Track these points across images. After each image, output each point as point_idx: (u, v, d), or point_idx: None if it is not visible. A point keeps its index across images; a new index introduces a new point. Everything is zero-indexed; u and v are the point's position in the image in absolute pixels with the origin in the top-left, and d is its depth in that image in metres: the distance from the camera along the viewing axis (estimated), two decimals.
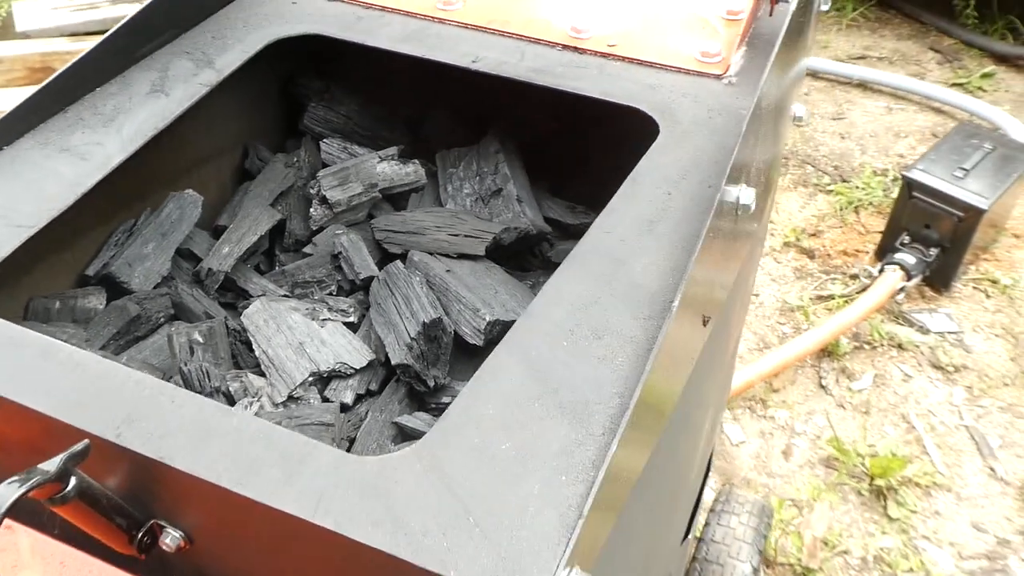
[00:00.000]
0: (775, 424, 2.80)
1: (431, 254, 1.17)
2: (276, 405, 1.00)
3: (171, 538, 0.77)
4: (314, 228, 1.27)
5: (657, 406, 0.85)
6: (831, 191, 3.65)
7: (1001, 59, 4.38)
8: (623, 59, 1.20)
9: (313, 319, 1.09)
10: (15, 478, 0.67)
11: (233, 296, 1.22)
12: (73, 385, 0.78)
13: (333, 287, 1.20)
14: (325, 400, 1.04)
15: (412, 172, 1.29)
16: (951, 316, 3.12)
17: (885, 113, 4.09)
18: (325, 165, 1.33)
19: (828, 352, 2.98)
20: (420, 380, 1.05)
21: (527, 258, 1.30)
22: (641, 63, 1.19)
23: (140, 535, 0.78)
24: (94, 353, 0.85)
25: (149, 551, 0.78)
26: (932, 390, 2.88)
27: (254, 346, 1.06)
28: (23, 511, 0.81)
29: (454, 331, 1.07)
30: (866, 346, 3.02)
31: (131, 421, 0.75)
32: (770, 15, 1.24)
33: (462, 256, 1.18)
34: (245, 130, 1.41)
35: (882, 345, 3.02)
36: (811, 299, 3.20)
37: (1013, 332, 3.06)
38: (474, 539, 0.67)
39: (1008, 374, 2.92)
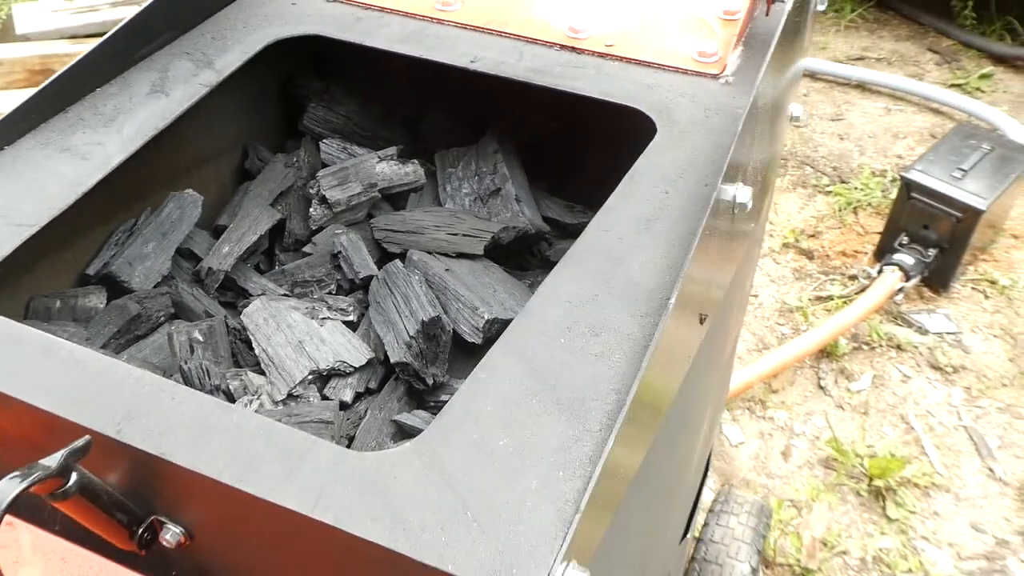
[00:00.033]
0: (774, 425, 2.80)
1: (430, 253, 1.18)
2: (276, 403, 1.01)
3: (171, 534, 0.77)
4: (314, 228, 1.27)
5: (654, 403, 0.86)
6: (830, 192, 3.66)
7: (999, 60, 4.39)
8: (621, 59, 1.20)
9: (313, 318, 1.10)
10: (16, 473, 0.67)
11: (233, 295, 1.23)
12: (74, 382, 0.79)
13: (332, 286, 1.20)
14: (324, 398, 1.04)
15: (411, 172, 1.30)
16: (950, 317, 3.12)
17: (884, 114, 4.10)
18: (325, 165, 1.33)
19: (827, 353, 2.99)
20: (419, 378, 1.05)
21: (526, 257, 1.31)
22: (639, 63, 1.20)
23: (140, 531, 0.78)
24: (94, 351, 0.86)
25: (149, 547, 0.79)
26: (931, 391, 2.89)
27: (254, 344, 1.06)
28: (25, 507, 0.81)
29: (453, 329, 1.08)
30: (865, 347, 3.03)
31: (132, 418, 0.76)
32: (766, 15, 1.25)
33: (461, 255, 1.18)
34: (245, 130, 1.41)
35: (881, 346, 3.03)
36: (810, 300, 3.20)
37: (1012, 333, 3.06)
38: (472, 534, 0.68)
39: (1007, 375, 2.93)
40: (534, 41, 1.23)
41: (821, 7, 1.36)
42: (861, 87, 4.25)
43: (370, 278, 1.16)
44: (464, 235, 1.19)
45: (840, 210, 3.56)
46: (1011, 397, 2.86)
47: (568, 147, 1.38)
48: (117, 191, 1.10)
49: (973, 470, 2.66)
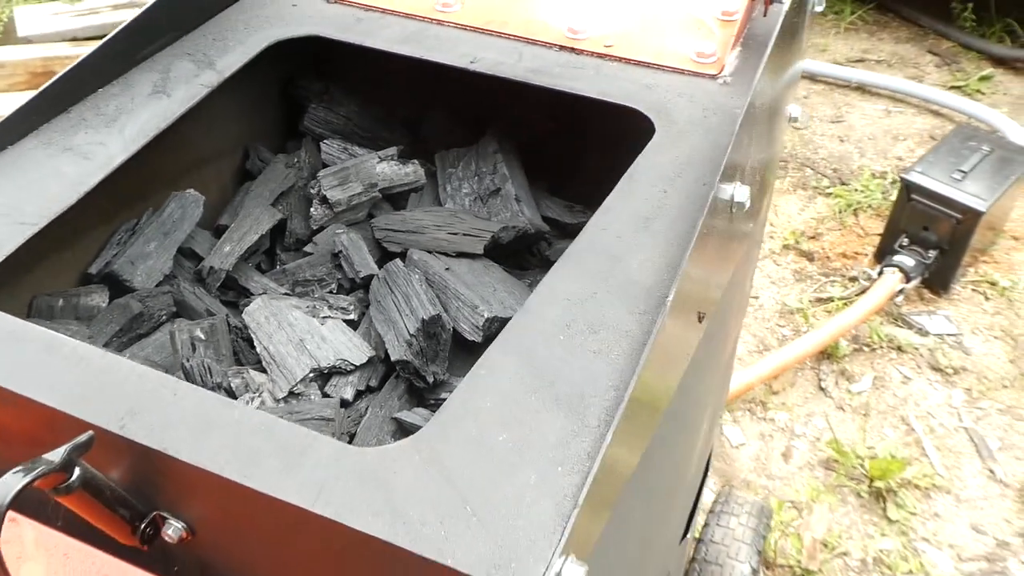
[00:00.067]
0: (775, 426, 2.81)
1: (430, 253, 1.19)
2: (277, 401, 1.01)
3: (173, 529, 0.78)
4: (315, 227, 1.28)
5: (652, 400, 0.86)
6: (830, 194, 3.66)
7: (999, 62, 4.40)
8: (620, 59, 1.21)
9: (313, 316, 1.10)
10: (20, 468, 0.68)
11: (234, 295, 1.23)
12: (77, 379, 0.79)
13: (333, 285, 1.21)
14: (325, 396, 1.05)
15: (411, 172, 1.31)
16: (950, 318, 3.13)
17: (884, 116, 4.10)
18: (325, 166, 1.34)
19: (827, 354, 2.99)
20: (419, 376, 1.06)
21: (525, 257, 1.31)
22: (637, 63, 1.20)
23: (143, 526, 0.78)
24: (97, 348, 0.86)
25: (152, 542, 0.79)
26: (931, 392, 2.89)
27: (255, 343, 1.07)
28: (28, 504, 0.82)
29: (453, 328, 1.08)
30: (865, 348, 3.03)
31: (134, 413, 0.76)
32: (764, 16, 1.26)
33: (461, 255, 1.19)
34: (246, 131, 1.42)
35: (881, 347, 3.03)
36: (810, 301, 3.21)
37: (1012, 334, 3.07)
38: (471, 528, 0.68)
39: (1007, 376, 2.93)
40: (533, 42, 1.24)
41: (819, 8, 1.36)
42: (861, 89, 4.26)
43: (371, 277, 1.17)
44: (464, 235, 1.20)
45: (840, 212, 3.57)
46: (1012, 399, 2.86)
47: (567, 147, 1.38)
48: (119, 191, 1.11)
49: (974, 471, 2.66)
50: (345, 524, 0.69)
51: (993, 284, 3.24)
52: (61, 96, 1.12)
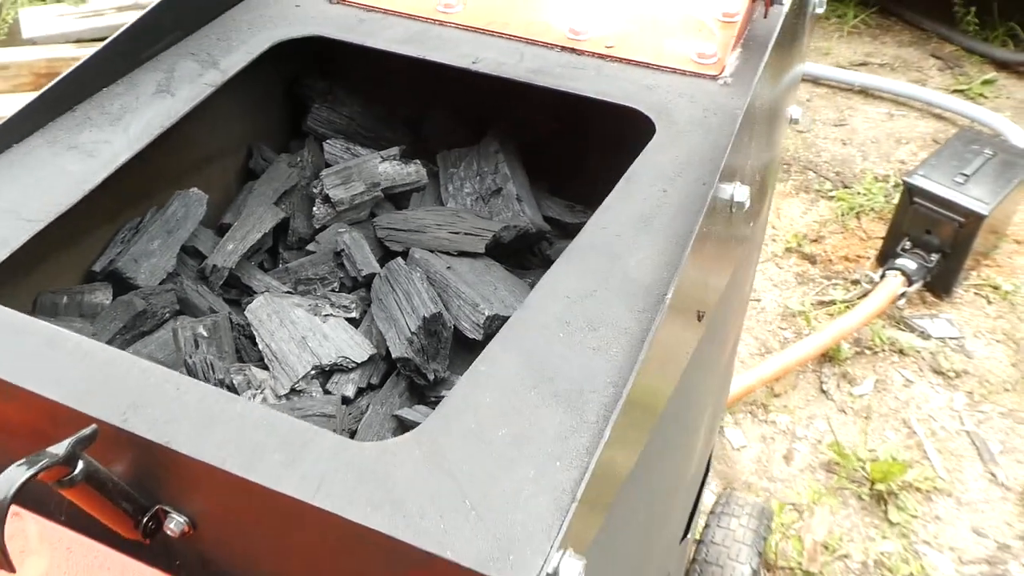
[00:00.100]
0: (776, 428, 2.81)
1: (432, 252, 1.19)
2: (279, 397, 1.02)
3: (175, 523, 0.78)
4: (317, 226, 1.29)
5: (651, 397, 0.87)
6: (833, 197, 3.67)
7: (1002, 65, 4.40)
8: (620, 60, 1.22)
9: (315, 314, 1.11)
10: (24, 460, 0.68)
11: (237, 293, 1.24)
12: (80, 373, 0.80)
13: (335, 284, 1.22)
14: (327, 393, 1.05)
15: (413, 172, 1.31)
16: (952, 322, 3.13)
17: (886, 119, 4.11)
18: (328, 165, 1.35)
19: (829, 357, 2.99)
20: (420, 374, 1.06)
21: (526, 256, 1.32)
22: (638, 64, 1.21)
23: (145, 520, 0.79)
24: (101, 343, 0.87)
25: (154, 536, 0.80)
26: (933, 395, 2.89)
27: (257, 340, 1.08)
28: (31, 498, 0.82)
29: (454, 326, 1.09)
30: (867, 351, 3.03)
31: (137, 407, 0.77)
32: (764, 17, 1.26)
33: (462, 254, 1.19)
34: (249, 131, 1.43)
35: (883, 350, 3.03)
36: (812, 304, 3.21)
37: (1014, 338, 3.07)
38: (470, 521, 0.69)
39: (1009, 380, 2.93)
40: (535, 42, 1.25)
41: (820, 10, 1.37)
42: (864, 92, 4.26)
43: (372, 276, 1.18)
44: (465, 234, 1.21)
45: (843, 215, 3.57)
46: (1013, 402, 2.86)
47: (568, 147, 1.39)
48: (123, 189, 1.11)
49: (975, 475, 2.66)
50: (345, 517, 0.69)
51: (995, 288, 3.24)
52: (66, 95, 1.13)
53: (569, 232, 1.34)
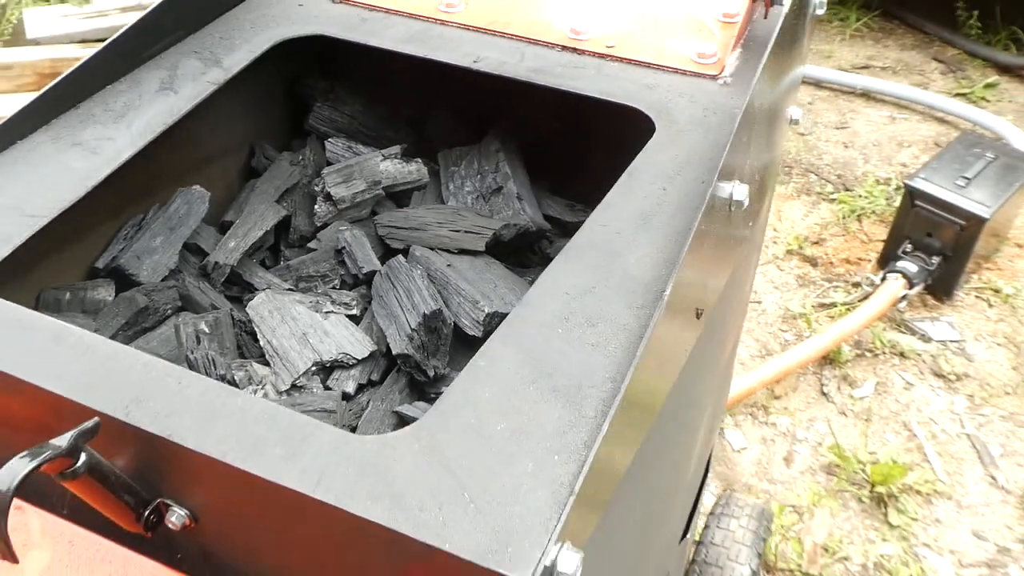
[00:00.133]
0: (776, 430, 2.81)
1: (432, 249, 1.20)
2: (280, 393, 1.03)
3: (177, 516, 0.79)
4: (318, 224, 1.29)
5: (649, 392, 0.87)
6: (834, 200, 3.67)
7: (1004, 69, 4.41)
8: (621, 60, 1.22)
9: (316, 311, 1.11)
10: (27, 452, 0.69)
11: (239, 290, 1.25)
12: (83, 367, 0.81)
13: (336, 281, 1.22)
14: (327, 389, 1.06)
15: (415, 170, 1.32)
16: (953, 325, 3.13)
17: (888, 123, 4.11)
18: (330, 163, 1.35)
19: (830, 359, 3.00)
20: (420, 370, 1.07)
21: (527, 255, 1.32)
22: (639, 64, 1.21)
23: (147, 513, 0.79)
24: (103, 337, 0.88)
25: (155, 529, 0.80)
26: (934, 398, 2.89)
27: (259, 336, 1.08)
28: (34, 492, 0.83)
29: (454, 323, 1.09)
30: (868, 354, 3.04)
31: (139, 401, 0.77)
32: (764, 18, 1.27)
33: (463, 251, 1.20)
34: (251, 130, 1.43)
35: (884, 353, 3.03)
36: (813, 306, 3.21)
37: (1015, 341, 3.07)
38: (469, 514, 0.69)
39: (1010, 383, 2.93)
40: (536, 42, 1.25)
41: (820, 11, 1.37)
42: (866, 96, 4.27)
43: (373, 273, 1.18)
44: (466, 232, 1.21)
45: (844, 217, 3.57)
46: (1014, 405, 2.86)
47: (569, 146, 1.40)
48: (126, 186, 1.12)
49: (975, 478, 2.66)
50: (345, 509, 0.70)
51: (996, 291, 3.25)
52: (71, 92, 1.13)
53: (569, 231, 1.34)
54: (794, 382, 2.94)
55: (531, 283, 1.20)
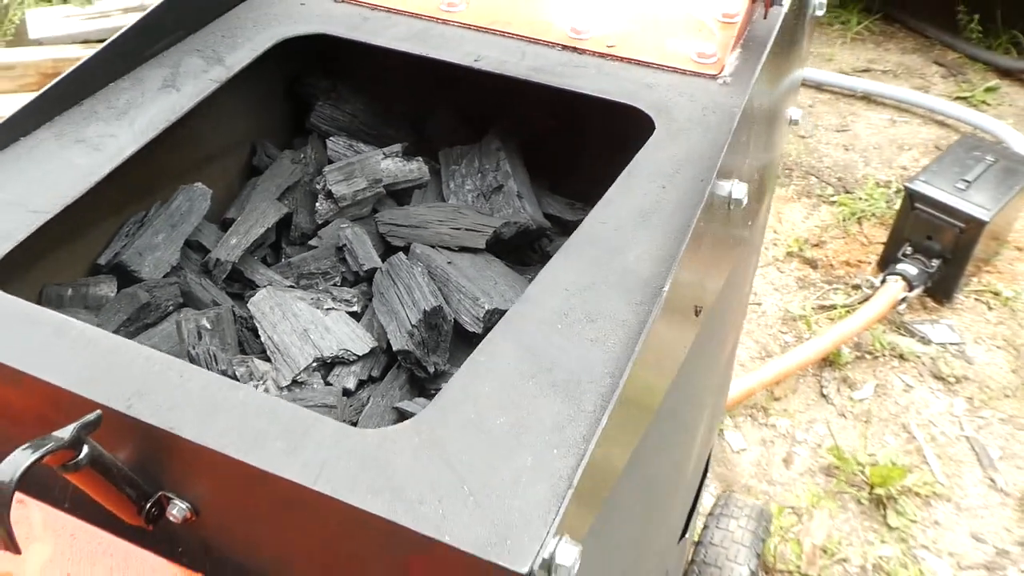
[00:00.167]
0: (776, 432, 2.81)
1: (433, 247, 1.20)
2: (281, 389, 1.03)
3: (178, 509, 0.79)
4: (320, 222, 1.30)
5: (648, 388, 0.88)
6: (834, 202, 3.68)
7: (1005, 73, 4.41)
8: (621, 59, 1.23)
9: (317, 308, 1.12)
10: (29, 444, 0.69)
11: (240, 287, 1.25)
12: (86, 361, 0.81)
13: (337, 278, 1.23)
14: (328, 385, 1.06)
15: (416, 169, 1.33)
16: (953, 327, 3.13)
17: (889, 126, 4.12)
18: (331, 162, 1.36)
19: (830, 361, 3.00)
20: (420, 366, 1.07)
21: (527, 253, 1.33)
22: (639, 63, 1.22)
23: (148, 506, 0.80)
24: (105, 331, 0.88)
25: (156, 522, 0.81)
26: (933, 400, 2.90)
27: (260, 332, 1.09)
28: (36, 485, 0.83)
29: (454, 319, 1.10)
30: (867, 356, 3.04)
31: (141, 394, 0.78)
32: (764, 18, 1.27)
33: (463, 249, 1.20)
34: (253, 128, 1.44)
35: (883, 355, 3.04)
36: (813, 309, 3.22)
37: (1015, 344, 3.07)
38: (468, 507, 0.70)
39: (1009, 386, 2.94)
40: (537, 41, 1.26)
41: (820, 12, 1.38)
42: (867, 99, 4.27)
43: (374, 270, 1.19)
44: (466, 229, 1.22)
45: (844, 220, 3.58)
46: (1013, 408, 2.87)
47: (569, 145, 1.40)
48: (128, 183, 1.13)
49: (974, 480, 2.67)
50: (346, 502, 0.70)
51: (996, 294, 3.25)
52: (73, 89, 1.14)
53: (569, 229, 1.34)
54: (794, 384, 2.95)
55: (531, 281, 1.21)
